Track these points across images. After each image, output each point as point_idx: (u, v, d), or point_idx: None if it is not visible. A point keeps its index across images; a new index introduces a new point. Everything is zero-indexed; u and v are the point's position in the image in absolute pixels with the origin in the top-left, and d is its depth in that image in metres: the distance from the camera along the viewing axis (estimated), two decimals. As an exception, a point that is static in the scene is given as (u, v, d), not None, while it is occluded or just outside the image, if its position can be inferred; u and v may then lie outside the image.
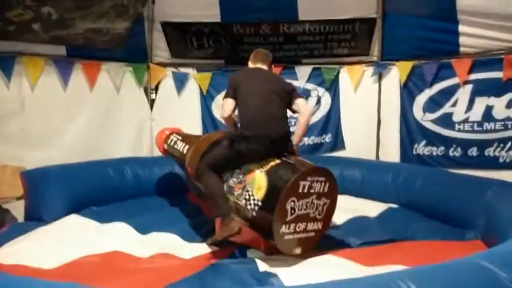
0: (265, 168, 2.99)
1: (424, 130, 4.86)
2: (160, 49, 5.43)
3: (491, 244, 2.84)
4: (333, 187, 3.01)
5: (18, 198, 4.05)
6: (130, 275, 2.73)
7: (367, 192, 4.47)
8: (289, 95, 3.27)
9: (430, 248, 3.06)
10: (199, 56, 5.45)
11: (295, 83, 5.12)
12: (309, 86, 5.34)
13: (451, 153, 4.69)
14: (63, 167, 4.20)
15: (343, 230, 3.52)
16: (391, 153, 5.06)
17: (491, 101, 4.45)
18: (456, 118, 4.65)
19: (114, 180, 4.43)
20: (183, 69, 5.48)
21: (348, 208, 3.92)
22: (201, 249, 3.20)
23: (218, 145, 3.31)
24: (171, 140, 4.14)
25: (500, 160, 4.40)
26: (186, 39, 5.34)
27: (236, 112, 3.29)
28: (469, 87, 4.57)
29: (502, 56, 4.32)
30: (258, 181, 2.95)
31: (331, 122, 5.33)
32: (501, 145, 4.39)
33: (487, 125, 4.48)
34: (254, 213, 2.91)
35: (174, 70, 5.46)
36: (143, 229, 3.51)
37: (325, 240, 3.18)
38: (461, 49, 4.56)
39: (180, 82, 5.46)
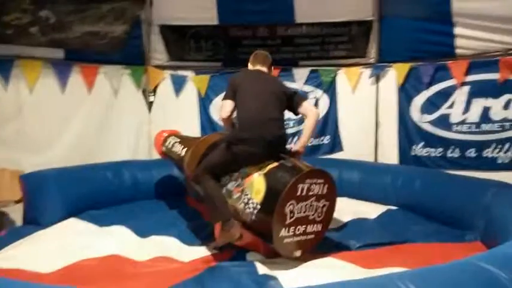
0: (263, 171, 2.99)
1: (422, 131, 4.87)
2: (158, 52, 5.43)
3: (490, 245, 2.85)
4: (331, 189, 3.01)
5: (16, 202, 4.03)
6: (129, 278, 2.72)
7: (366, 194, 4.48)
8: (290, 98, 3.27)
9: (430, 250, 3.06)
10: (197, 58, 5.45)
11: (292, 85, 5.16)
12: (307, 88, 5.34)
13: (449, 155, 4.70)
14: (61, 170, 4.19)
15: (342, 233, 3.52)
16: (390, 154, 5.07)
17: (489, 102, 4.47)
18: (453, 119, 4.67)
19: (112, 183, 4.42)
20: (181, 72, 5.48)
21: (347, 210, 3.93)
22: (200, 252, 3.20)
23: (216, 148, 3.30)
24: (169, 143, 4.15)
25: (498, 161, 4.42)
26: (184, 42, 5.35)
27: (235, 113, 3.29)
28: (466, 89, 4.59)
29: (498, 58, 4.34)
30: (256, 184, 2.94)
31: (329, 124, 5.33)
32: (499, 146, 4.41)
33: (485, 126, 4.50)
34: (253, 217, 2.90)
35: (172, 73, 5.46)
36: (142, 232, 3.50)
37: (325, 243, 3.17)
38: (458, 51, 4.59)
39: (178, 85, 5.45)
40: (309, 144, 5.30)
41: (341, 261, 2.92)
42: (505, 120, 4.38)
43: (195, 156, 3.52)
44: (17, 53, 4.49)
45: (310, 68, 5.33)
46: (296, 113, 3.38)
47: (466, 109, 4.59)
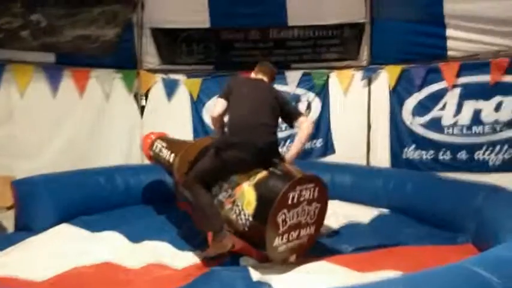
0: (253, 182, 2.96)
1: (414, 134, 4.88)
2: (150, 55, 5.42)
3: (482, 248, 2.88)
4: (322, 191, 3.01)
5: (8, 208, 4.00)
6: (123, 286, 2.71)
7: (358, 198, 4.48)
8: (286, 110, 3.27)
9: (422, 253, 3.07)
10: (189, 62, 5.44)
11: (285, 88, 5.16)
12: (299, 91, 5.35)
13: (440, 157, 4.71)
14: (53, 176, 4.16)
15: (335, 236, 3.53)
16: (382, 157, 5.08)
17: (480, 104, 4.48)
18: (445, 122, 4.69)
19: (104, 188, 4.38)
20: (173, 76, 5.47)
21: (339, 214, 3.94)
22: (194, 257, 3.18)
23: (205, 154, 3.26)
24: (156, 147, 4.07)
25: (490, 163, 4.44)
26: (176, 45, 5.34)
27: (226, 118, 3.29)
28: (457, 91, 4.61)
29: (489, 60, 4.37)
30: (247, 195, 2.92)
31: (321, 127, 5.33)
32: (490, 148, 4.43)
33: (476, 129, 4.51)
34: (246, 228, 2.89)
35: (164, 76, 5.45)
36: (135, 238, 3.48)
37: (318, 247, 3.19)
38: (449, 53, 4.61)
39: (170, 88, 5.44)
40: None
41: (334, 265, 2.92)
42: (496, 122, 4.40)
43: (184, 161, 3.48)
44: (7, 58, 4.46)
45: (303, 71, 5.34)
46: (292, 126, 3.39)
47: (458, 111, 4.61)
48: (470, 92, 4.53)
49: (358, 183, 4.59)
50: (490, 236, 2.85)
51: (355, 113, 5.24)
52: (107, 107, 5.17)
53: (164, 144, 4.02)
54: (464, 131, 4.58)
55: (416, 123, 4.87)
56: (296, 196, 2.84)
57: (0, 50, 4.40)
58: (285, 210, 2.81)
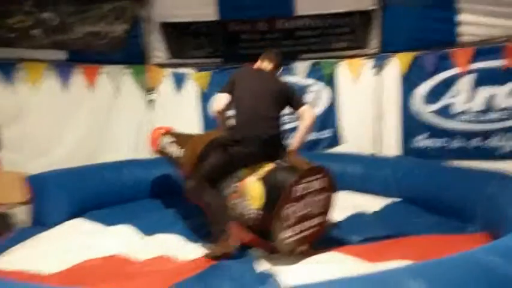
0: (259, 175, 2.97)
1: (425, 122, 4.80)
2: (158, 50, 5.42)
3: (493, 236, 2.83)
4: (329, 180, 3.00)
5: (22, 204, 4.07)
6: (133, 277, 2.74)
7: (368, 188, 4.45)
8: (291, 97, 3.22)
9: (433, 242, 3.05)
10: (198, 55, 5.43)
11: (294, 78, 5.12)
12: (308, 81, 5.30)
13: (452, 145, 4.63)
14: (66, 171, 4.25)
15: (344, 227, 3.51)
16: (392, 146, 5.01)
17: (493, 90, 4.39)
18: (457, 109, 4.60)
19: (116, 182, 4.45)
20: (181, 70, 5.47)
21: (349, 204, 3.92)
22: (204, 249, 3.20)
23: (212, 152, 3.24)
24: (164, 141, 4.10)
25: (503, 150, 4.35)
26: (184, 39, 5.33)
27: (231, 112, 3.28)
28: (470, 77, 4.51)
29: (504, 44, 4.26)
30: (253, 189, 2.93)
31: (330, 117, 5.29)
32: (503, 135, 4.34)
33: (489, 115, 4.43)
34: (254, 221, 2.91)
35: (173, 70, 5.46)
36: (147, 231, 3.52)
37: (327, 237, 3.18)
38: (462, 38, 4.50)
39: (179, 82, 5.45)
40: (310, 138, 5.27)
41: (344, 255, 2.92)
42: (510, 108, 4.30)
43: (192, 155, 3.50)
44: (19, 56, 4.51)
45: (312, 61, 5.28)
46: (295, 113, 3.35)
47: (470, 98, 4.52)
48: (483, 78, 4.44)
49: (368, 173, 4.55)
50: (502, 225, 2.80)
51: (365, 102, 5.17)
52: (116, 102, 5.20)
53: (172, 139, 4.05)
54: (477, 117, 4.49)
55: (428, 111, 4.78)
56: (303, 188, 2.84)
57: (12, 48, 4.44)
58: (293, 203, 2.81)
